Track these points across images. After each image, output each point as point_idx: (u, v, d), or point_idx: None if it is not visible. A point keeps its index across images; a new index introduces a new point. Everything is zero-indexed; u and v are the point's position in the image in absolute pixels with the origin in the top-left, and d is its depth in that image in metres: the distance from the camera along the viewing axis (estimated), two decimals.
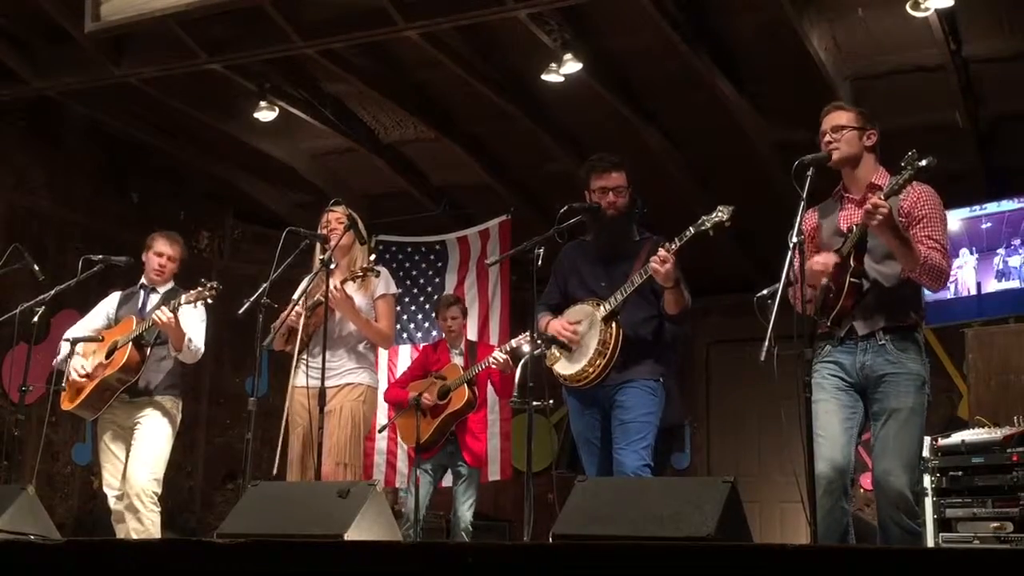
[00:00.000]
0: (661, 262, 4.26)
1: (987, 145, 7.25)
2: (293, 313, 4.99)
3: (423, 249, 8.66)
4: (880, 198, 3.66)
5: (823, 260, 3.87)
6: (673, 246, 4.31)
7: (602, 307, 4.52)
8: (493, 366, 6.18)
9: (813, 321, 3.82)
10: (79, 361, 5.31)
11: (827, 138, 3.95)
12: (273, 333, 4.99)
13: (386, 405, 7.24)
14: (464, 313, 6.85)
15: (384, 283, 5.19)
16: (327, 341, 4.80)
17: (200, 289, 5.07)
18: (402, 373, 7.27)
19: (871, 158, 4.00)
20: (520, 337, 5.96)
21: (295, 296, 5.18)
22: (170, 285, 5.52)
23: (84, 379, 5.26)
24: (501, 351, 6.20)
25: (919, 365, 3.84)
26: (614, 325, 4.50)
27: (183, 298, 5.09)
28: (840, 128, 3.95)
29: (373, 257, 5.19)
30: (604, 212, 4.62)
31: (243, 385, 8.74)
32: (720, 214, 4.25)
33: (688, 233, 4.30)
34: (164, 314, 5.08)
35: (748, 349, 3.57)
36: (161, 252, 5.51)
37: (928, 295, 4.07)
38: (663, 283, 4.36)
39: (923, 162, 3.61)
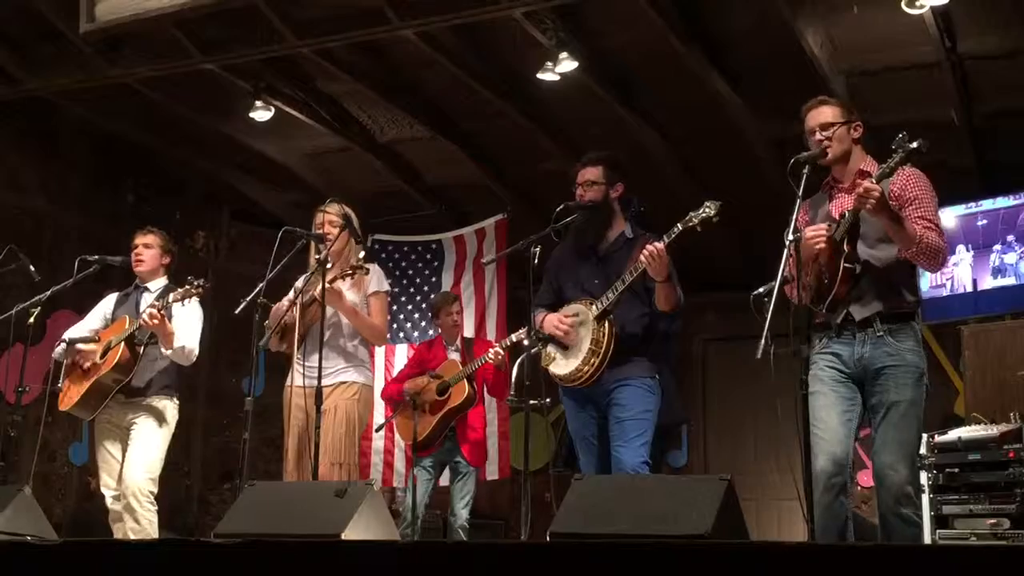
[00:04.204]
0: (655, 255, 4.26)
1: (982, 142, 7.26)
2: (288, 307, 4.99)
3: (419, 248, 8.66)
4: (871, 182, 3.67)
5: (814, 231, 3.86)
6: (662, 243, 4.32)
7: (594, 306, 4.53)
8: (491, 361, 6.18)
9: (809, 318, 3.81)
10: (91, 345, 5.30)
11: (817, 136, 3.96)
12: (269, 333, 4.99)
13: (383, 404, 7.24)
14: (462, 308, 6.86)
15: (376, 280, 5.19)
16: (321, 341, 4.79)
17: (187, 287, 5.06)
18: (399, 371, 7.28)
19: (858, 149, 4.02)
20: (519, 332, 5.96)
21: (289, 296, 5.19)
22: (163, 282, 5.51)
23: (92, 351, 5.24)
24: (500, 346, 6.20)
25: (917, 356, 3.85)
26: (607, 324, 4.50)
27: (171, 297, 5.09)
28: (829, 125, 3.96)
29: (362, 255, 5.17)
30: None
31: (240, 385, 8.73)
32: (707, 210, 4.26)
33: (676, 230, 4.31)
34: (150, 315, 5.06)
35: (745, 347, 3.57)
36: (135, 244, 5.53)
37: (924, 292, 4.08)
38: (655, 276, 4.36)
39: (914, 144, 3.61)
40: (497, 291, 8.16)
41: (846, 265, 3.79)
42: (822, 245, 3.81)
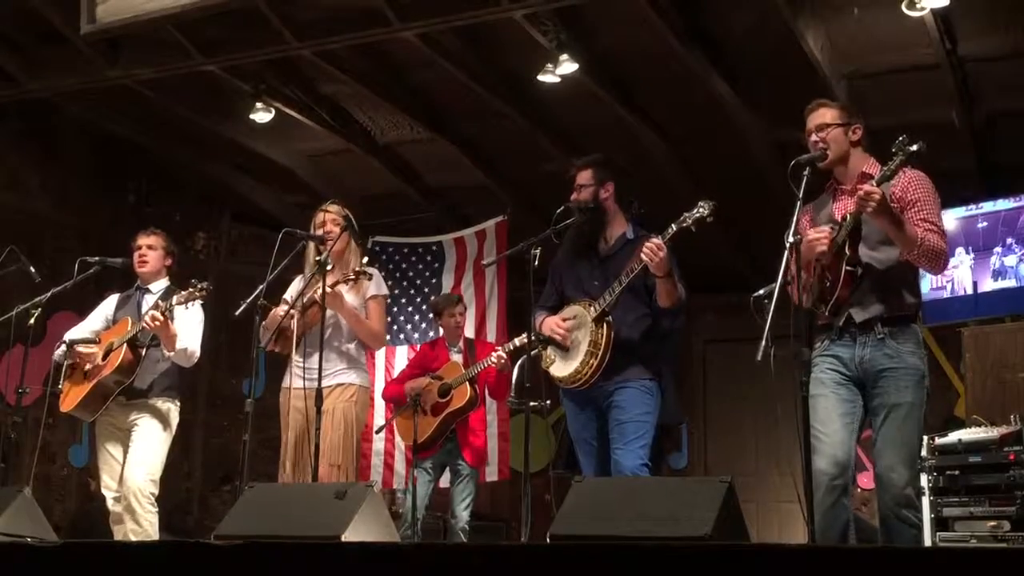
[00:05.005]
0: (656, 250, 4.27)
1: (983, 144, 7.26)
2: (286, 313, 4.99)
3: (420, 250, 8.66)
4: (872, 185, 3.67)
5: (816, 233, 3.86)
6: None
7: (593, 307, 4.53)
8: (493, 365, 6.18)
9: (810, 320, 3.81)
10: (91, 348, 5.30)
11: (813, 137, 3.97)
12: (269, 335, 4.99)
13: (384, 405, 7.24)
14: (465, 309, 6.87)
15: (375, 284, 5.20)
16: (321, 342, 4.79)
17: (191, 290, 5.06)
18: (400, 371, 7.27)
19: (859, 151, 4.02)
20: (521, 337, 5.95)
21: (286, 297, 5.19)
22: (165, 284, 5.51)
23: (92, 353, 5.24)
24: (503, 350, 6.20)
25: (918, 359, 3.84)
26: (605, 325, 4.50)
27: (174, 299, 5.09)
28: (825, 127, 3.96)
29: (366, 260, 5.17)
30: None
31: (240, 387, 8.73)
32: (701, 209, 4.28)
33: (671, 230, 4.33)
34: (153, 317, 5.07)
35: (745, 348, 3.57)
36: (139, 245, 5.53)
37: (925, 294, 4.08)
38: (656, 272, 4.36)
39: (914, 147, 3.62)
40: (497, 293, 8.16)
41: (848, 268, 3.79)
42: (824, 248, 3.81)
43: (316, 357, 4.75)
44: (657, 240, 4.31)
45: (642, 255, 4.32)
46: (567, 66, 6.42)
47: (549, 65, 6.47)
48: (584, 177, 4.75)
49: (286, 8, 6.29)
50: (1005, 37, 6.30)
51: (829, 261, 3.83)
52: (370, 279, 5.09)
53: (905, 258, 3.82)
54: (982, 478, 5.23)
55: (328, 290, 4.87)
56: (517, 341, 6.04)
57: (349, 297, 5.07)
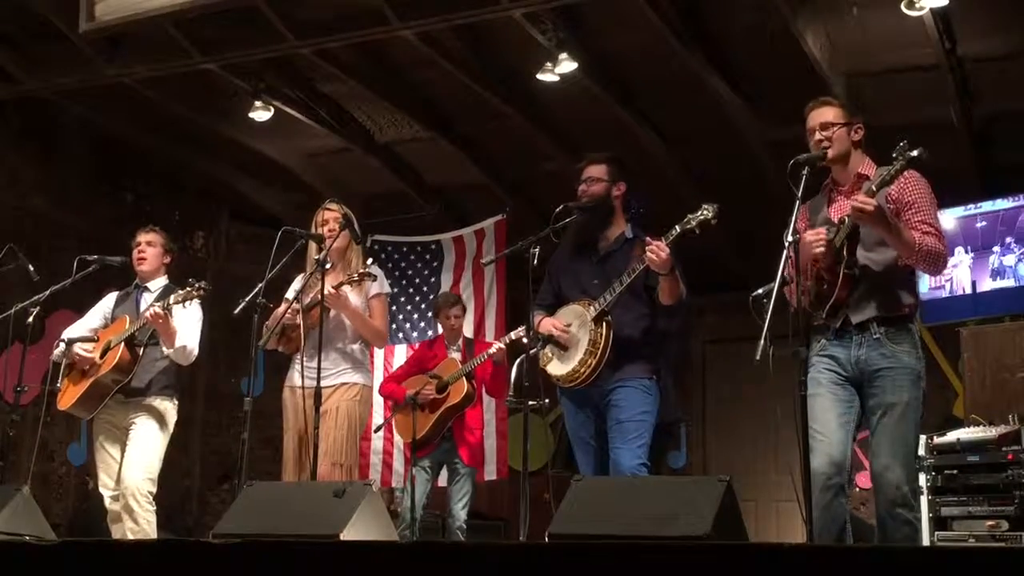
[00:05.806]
0: (659, 250, 4.26)
1: (982, 144, 7.26)
2: (289, 312, 5.00)
3: (419, 249, 8.66)
4: (870, 191, 3.67)
5: (814, 235, 3.86)
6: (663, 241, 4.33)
7: (592, 307, 4.53)
8: (492, 356, 6.18)
9: (807, 320, 3.81)
10: (88, 345, 5.30)
11: (817, 136, 3.96)
12: (268, 333, 4.99)
13: (382, 404, 7.23)
14: (464, 311, 6.86)
15: (378, 282, 5.20)
16: (320, 342, 4.80)
17: (189, 289, 5.06)
18: (398, 368, 7.27)
19: (858, 151, 4.02)
20: (519, 330, 5.95)
21: (288, 295, 5.19)
22: (163, 282, 5.51)
23: (90, 357, 5.24)
24: (501, 342, 6.20)
25: (914, 359, 3.84)
26: (604, 325, 4.51)
27: (171, 299, 5.09)
28: (829, 125, 3.96)
29: (371, 261, 5.17)
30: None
31: (239, 385, 8.73)
32: (705, 212, 4.27)
33: (674, 232, 4.32)
34: (154, 308, 5.07)
35: (744, 348, 3.57)
36: (138, 242, 5.53)
37: (924, 294, 4.08)
38: (659, 271, 4.36)
39: (914, 152, 3.62)
40: (496, 291, 8.16)
41: (845, 271, 3.79)
42: (822, 249, 3.81)
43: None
44: (659, 241, 4.31)
45: (645, 256, 4.32)
46: (566, 65, 6.42)
47: (548, 64, 6.47)
48: (598, 171, 4.72)
49: (285, 7, 6.29)
50: (1004, 37, 6.30)
51: (827, 263, 3.83)
52: (374, 279, 5.10)
53: (904, 263, 3.82)
54: (980, 478, 5.23)
55: (331, 290, 4.87)
56: (513, 335, 6.05)
57: (352, 296, 5.07)
